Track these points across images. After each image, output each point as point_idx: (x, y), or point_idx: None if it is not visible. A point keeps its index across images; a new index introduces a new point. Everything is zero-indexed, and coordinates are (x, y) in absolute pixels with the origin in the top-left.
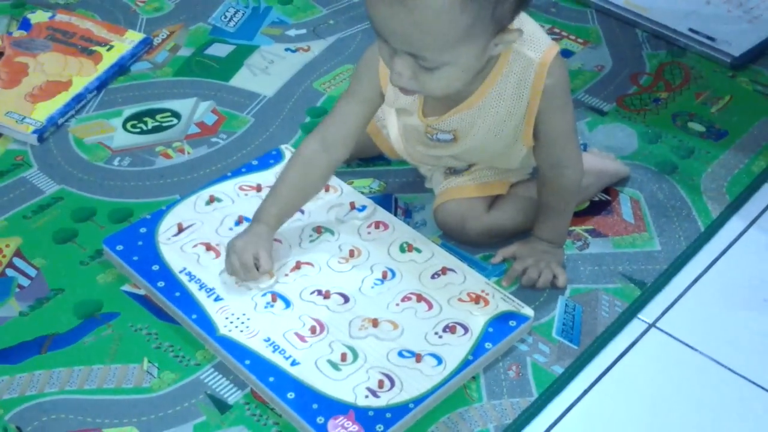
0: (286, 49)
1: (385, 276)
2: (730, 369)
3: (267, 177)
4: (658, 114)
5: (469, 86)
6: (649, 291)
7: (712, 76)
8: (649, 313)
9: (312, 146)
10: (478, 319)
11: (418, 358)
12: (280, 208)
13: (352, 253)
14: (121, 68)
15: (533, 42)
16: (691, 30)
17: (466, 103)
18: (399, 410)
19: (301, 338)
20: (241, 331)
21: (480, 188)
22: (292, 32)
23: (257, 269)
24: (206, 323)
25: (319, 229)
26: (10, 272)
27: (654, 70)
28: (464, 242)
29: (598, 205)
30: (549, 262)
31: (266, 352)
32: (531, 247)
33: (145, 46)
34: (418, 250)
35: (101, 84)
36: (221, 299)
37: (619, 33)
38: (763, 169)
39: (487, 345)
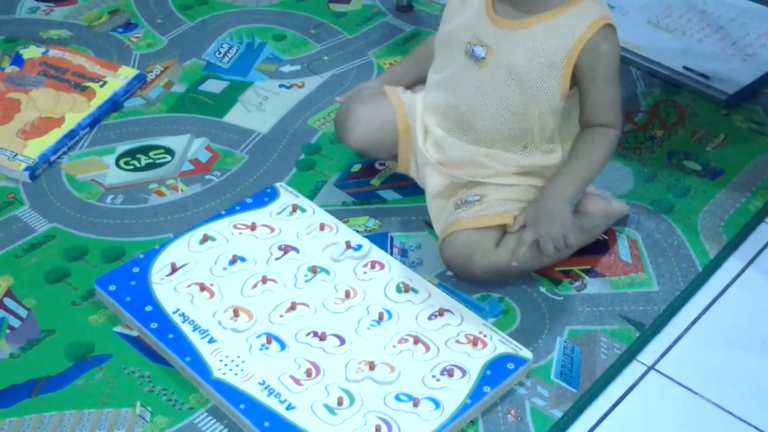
0: (281, 86)
1: (381, 317)
2: (730, 412)
3: (262, 215)
4: (654, 152)
5: (549, 1)
6: (647, 333)
7: (706, 114)
8: (648, 356)
9: (433, 35)
10: (476, 362)
11: (416, 402)
12: (399, 69)
13: (348, 294)
14: (114, 104)
15: (602, 5)
16: (685, 68)
17: (534, 17)
18: None
19: (297, 381)
20: (236, 374)
21: (489, 218)
22: (286, 68)
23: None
24: (200, 366)
25: (314, 269)
26: (0, 313)
27: (649, 108)
28: (469, 279)
29: (596, 245)
30: (550, 230)
31: (261, 396)
32: (539, 206)
33: (139, 82)
34: (415, 291)
35: (94, 120)
36: (215, 341)
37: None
38: (760, 208)
39: (486, 388)
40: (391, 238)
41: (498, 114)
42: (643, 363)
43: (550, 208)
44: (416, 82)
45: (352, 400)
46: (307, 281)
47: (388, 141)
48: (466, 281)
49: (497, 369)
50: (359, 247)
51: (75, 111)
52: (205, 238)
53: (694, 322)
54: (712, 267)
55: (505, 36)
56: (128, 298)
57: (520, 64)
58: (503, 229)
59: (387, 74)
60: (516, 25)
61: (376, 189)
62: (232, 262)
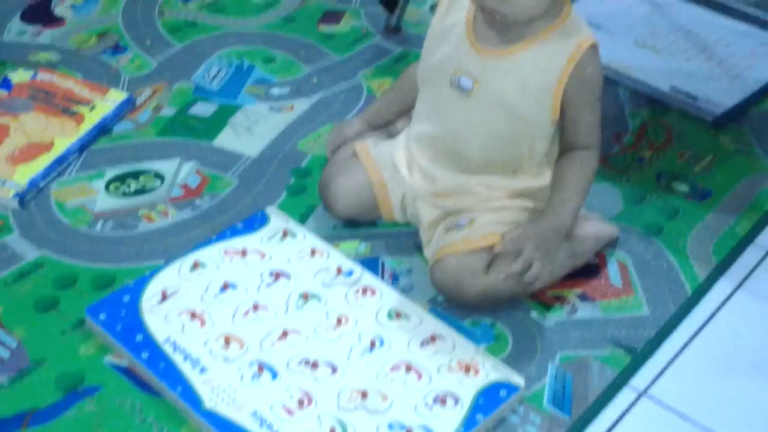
0: (270, 108)
1: (373, 344)
2: None
3: (252, 241)
4: (642, 174)
5: (532, 25)
6: (638, 357)
7: (694, 135)
8: (639, 381)
9: (413, 65)
10: (468, 390)
11: (409, 431)
12: (378, 106)
13: (339, 321)
14: (103, 128)
15: (584, 26)
16: (672, 88)
17: (518, 45)
18: None
19: (289, 411)
20: (228, 404)
21: (477, 240)
22: (275, 91)
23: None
24: (191, 396)
25: (306, 296)
26: None
27: (637, 129)
28: (460, 304)
29: (587, 269)
30: (544, 258)
31: (254, 427)
32: (537, 229)
33: (128, 105)
34: (407, 317)
35: (83, 145)
36: (207, 370)
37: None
38: (748, 230)
39: (478, 416)
40: (382, 263)
41: (488, 143)
42: (635, 388)
43: (547, 235)
44: (399, 116)
45: (344, 430)
46: (298, 308)
47: (369, 204)
48: (457, 305)
49: (490, 397)
50: (350, 272)
51: (64, 136)
52: (196, 265)
53: (685, 346)
54: (701, 290)
55: (492, 65)
56: (119, 327)
57: (509, 94)
58: (494, 252)
59: (369, 111)
60: (501, 54)
61: None
62: (223, 289)
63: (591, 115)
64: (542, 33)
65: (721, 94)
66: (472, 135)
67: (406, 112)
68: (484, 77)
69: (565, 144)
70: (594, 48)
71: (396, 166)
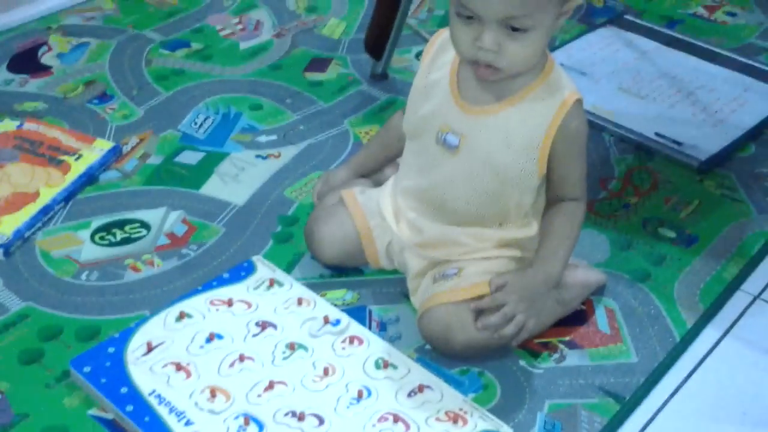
0: (257, 156)
1: (360, 395)
2: None
3: (239, 291)
4: (629, 220)
5: (516, 81)
6: (627, 405)
7: (679, 181)
8: (629, 429)
9: (398, 114)
10: None
11: None
12: (365, 156)
13: (326, 371)
14: (89, 178)
15: (567, 79)
16: (657, 134)
17: (504, 102)
18: None
19: None
20: None
21: (465, 291)
22: (262, 138)
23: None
24: None
25: (292, 346)
26: None
27: (622, 175)
28: (448, 354)
29: (574, 316)
30: (529, 313)
31: None
32: (524, 281)
33: (114, 154)
34: (394, 367)
35: (69, 195)
36: (192, 423)
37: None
38: (735, 275)
39: None
40: (370, 311)
41: (474, 198)
42: None
43: (534, 287)
44: (385, 165)
45: None
46: (285, 359)
47: (355, 251)
48: (445, 356)
49: None
50: (337, 322)
51: (50, 185)
52: (182, 315)
53: (673, 394)
54: (689, 337)
55: (478, 123)
56: (103, 380)
57: (496, 151)
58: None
59: (355, 162)
60: (487, 111)
61: None
62: (209, 339)
63: (577, 168)
64: (527, 89)
65: (705, 140)
66: (459, 190)
67: (391, 161)
68: (471, 135)
69: (551, 196)
70: (579, 103)
71: (382, 215)
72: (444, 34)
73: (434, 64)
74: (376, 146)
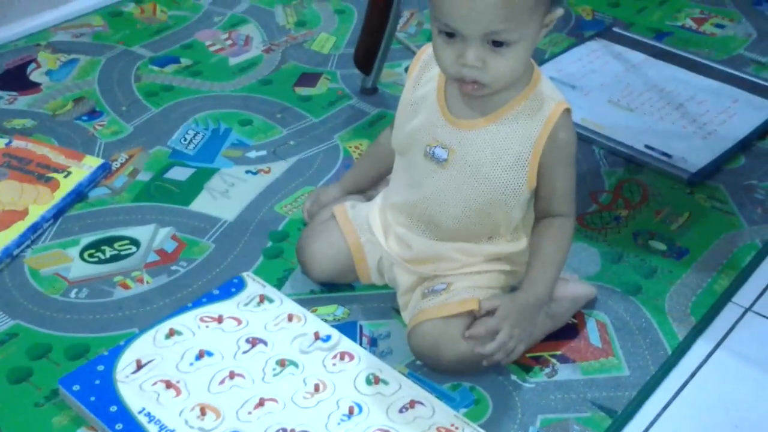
0: (247, 171)
1: (351, 411)
2: None
3: (229, 307)
4: (620, 233)
5: (503, 95)
6: (619, 420)
7: (669, 193)
8: None
9: (386, 130)
10: None
11: None
12: (356, 173)
13: (317, 388)
14: (78, 195)
15: (554, 90)
16: (647, 146)
17: (491, 116)
18: None
19: None
20: None
21: (454, 306)
22: (252, 154)
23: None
24: None
25: (282, 362)
26: None
27: (613, 188)
28: (438, 370)
29: (566, 329)
30: (521, 338)
31: None
32: (516, 305)
33: (104, 171)
34: (385, 382)
35: (58, 212)
36: None
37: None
38: (726, 288)
39: None
40: (361, 326)
41: (463, 213)
42: None
43: (526, 311)
44: (376, 182)
45: None
46: (275, 375)
47: (347, 268)
48: (435, 371)
49: None
50: (328, 338)
51: (38, 203)
52: (171, 333)
53: (665, 408)
54: (681, 350)
55: (467, 136)
56: (93, 398)
57: (484, 165)
58: (471, 318)
59: (345, 179)
60: (476, 125)
61: None
62: (199, 357)
63: (566, 181)
64: (515, 101)
65: (695, 152)
66: (448, 204)
67: (382, 178)
68: (459, 148)
69: (540, 211)
70: (567, 112)
71: (371, 230)
72: (429, 49)
73: (421, 79)
74: (366, 163)
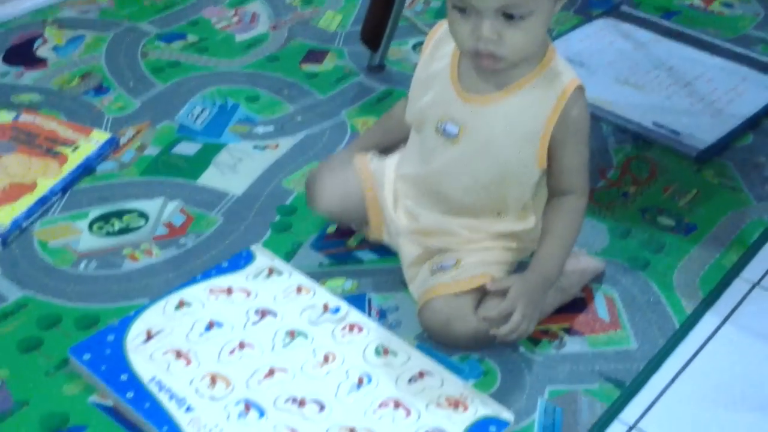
0: (254, 147)
1: (361, 382)
2: None
3: (238, 279)
4: (628, 208)
5: (516, 70)
6: (627, 391)
7: (677, 170)
8: (629, 415)
9: (401, 101)
10: (457, 426)
11: None
12: (366, 140)
13: (326, 358)
14: (86, 169)
15: (568, 67)
16: (655, 124)
17: (504, 91)
18: None
19: None
20: None
21: (465, 282)
22: (259, 129)
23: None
24: None
25: (292, 333)
26: None
27: (621, 164)
28: (450, 345)
29: (574, 303)
30: (532, 315)
31: None
32: (527, 286)
33: (111, 145)
34: (394, 354)
35: (66, 185)
36: (192, 410)
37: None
38: (734, 263)
39: None
40: (369, 299)
41: (472, 188)
42: (624, 422)
43: (537, 291)
44: (385, 152)
45: None
46: (284, 346)
47: (354, 209)
48: (447, 347)
49: None
50: (337, 309)
51: (47, 176)
52: (181, 304)
53: (673, 380)
54: (689, 324)
55: (478, 112)
56: (103, 367)
57: (495, 141)
58: (481, 293)
59: (356, 145)
60: (487, 101)
61: (352, 250)
62: (209, 327)
63: (578, 159)
64: (528, 78)
65: (703, 130)
66: (457, 179)
67: (392, 147)
68: (471, 124)
69: (552, 188)
70: (580, 90)
71: (384, 196)
72: (444, 25)
73: (435, 55)
74: (377, 131)
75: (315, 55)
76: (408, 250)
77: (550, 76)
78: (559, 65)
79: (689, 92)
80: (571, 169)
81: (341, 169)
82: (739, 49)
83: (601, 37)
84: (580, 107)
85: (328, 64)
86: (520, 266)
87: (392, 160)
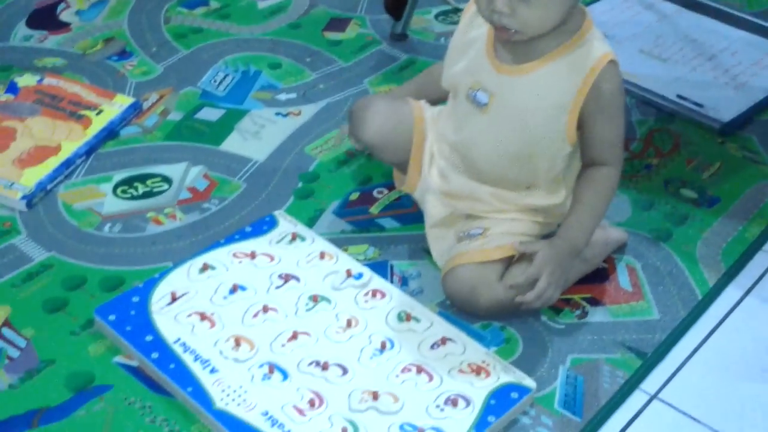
0: (277, 114)
1: (383, 346)
2: None
3: (261, 244)
4: (651, 180)
5: (550, 41)
6: (649, 361)
7: (701, 143)
8: (650, 384)
9: (440, 63)
10: (479, 392)
11: None
12: (403, 90)
13: (349, 323)
14: (110, 133)
15: (602, 41)
16: (679, 96)
17: (535, 62)
18: None
19: (300, 412)
20: (238, 404)
21: (492, 252)
22: (282, 96)
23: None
24: (202, 396)
25: (315, 298)
26: None
27: (644, 137)
28: (474, 314)
29: (596, 273)
30: (558, 282)
31: (265, 427)
32: (554, 253)
33: (135, 110)
34: (417, 320)
35: (90, 149)
36: (217, 371)
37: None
38: (757, 236)
39: (490, 418)
40: (391, 266)
41: (500, 159)
42: (645, 392)
43: (563, 259)
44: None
45: (356, 431)
46: (308, 310)
47: (401, 146)
48: (470, 315)
49: (501, 398)
50: (360, 275)
51: (71, 139)
52: (205, 267)
53: (695, 351)
54: (711, 295)
55: (509, 82)
56: (128, 328)
57: (525, 110)
58: (507, 263)
59: (395, 92)
60: (519, 71)
61: (375, 217)
62: (233, 291)
63: (611, 132)
64: (560, 50)
65: (727, 103)
66: (485, 149)
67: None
68: (500, 93)
69: (585, 159)
70: (612, 64)
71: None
72: None
73: (473, 23)
74: (413, 86)
75: (337, 23)
76: (434, 210)
77: (583, 49)
78: (594, 38)
79: (713, 65)
80: (603, 142)
81: (396, 102)
82: (764, 23)
83: (624, 8)
84: (612, 81)
85: (351, 32)
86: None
87: (436, 111)
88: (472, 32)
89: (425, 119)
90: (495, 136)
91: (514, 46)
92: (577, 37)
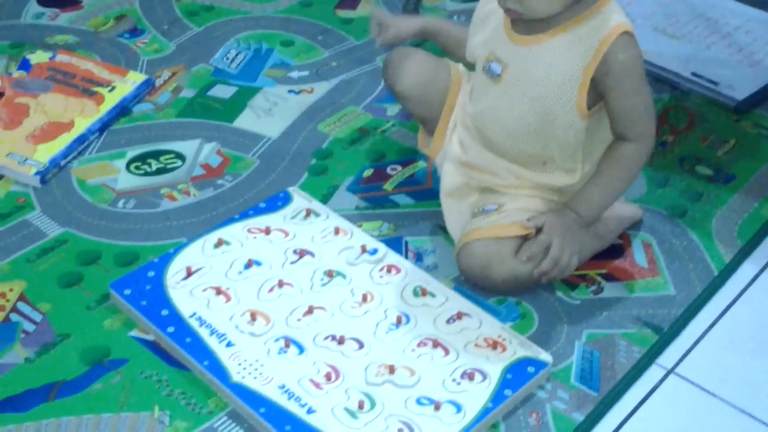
0: (290, 91)
1: (399, 321)
2: (749, 414)
3: (275, 219)
4: (665, 157)
5: (565, 13)
6: (666, 336)
7: (716, 120)
8: (667, 359)
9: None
10: (496, 366)
11: (437, 405)
12: (437, 28)
13: (365, 298)
14: (123, 109)
15: (619, 13)
16: (693, 74)
17: (548, 33)
18: None
19: (317, 385)
20: (255, 378)
21: (507, 228)
22: (294, 74)
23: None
24: (219, 370)
25: (330, 273)
26: (14, 317)
27: (659, 114)
28: (488, 289)
29: (611, 249)
30: (572, 248)
31: (281, 400)
32: (561, 219)
33: (147, 87)
34: (432, 295)
35: (104, 125)
36: (233, 345)
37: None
38: None
39: (507, 392)
40: (406, 242)
41: (514, 131)
42: (662, 366)
43: (570, 226)
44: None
45: (373, 404)
46: (323, 285)
47: (433, 101)
48: (483, 290)
49: (518, 372)
50: (375, 251)
51: (84, 116)
52: (220, 243)
53: (711, 326)
54: (727, 271)
55: (522, 53)
56: (144, 302)
57: (536, 80)
58: (522, 239)
59: (432, 23)
60: (532, 41)
61: (389, 194)
62: (248, 266)
63: (633, 106)
64: (574, 22)
65: (742, 81)
66: (500, 121)
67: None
68: (513, 64)
69: (614, 133)
70: (627, 35)
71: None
72: None
73: None
74: (443, 34)
75: (349, 1)
76: (450, 179)
77: (598, 21)
78: (612, 11)
79: (728, 43)
80: (624, 116)
81: (437, 60)
82: None
83: None
84: (627, 52)
85: (363, 9)
86: None
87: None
88: (491, 4)
89: (462, 86)
90: (508, 107)
91: (527, 24)
92: (595, 8)
